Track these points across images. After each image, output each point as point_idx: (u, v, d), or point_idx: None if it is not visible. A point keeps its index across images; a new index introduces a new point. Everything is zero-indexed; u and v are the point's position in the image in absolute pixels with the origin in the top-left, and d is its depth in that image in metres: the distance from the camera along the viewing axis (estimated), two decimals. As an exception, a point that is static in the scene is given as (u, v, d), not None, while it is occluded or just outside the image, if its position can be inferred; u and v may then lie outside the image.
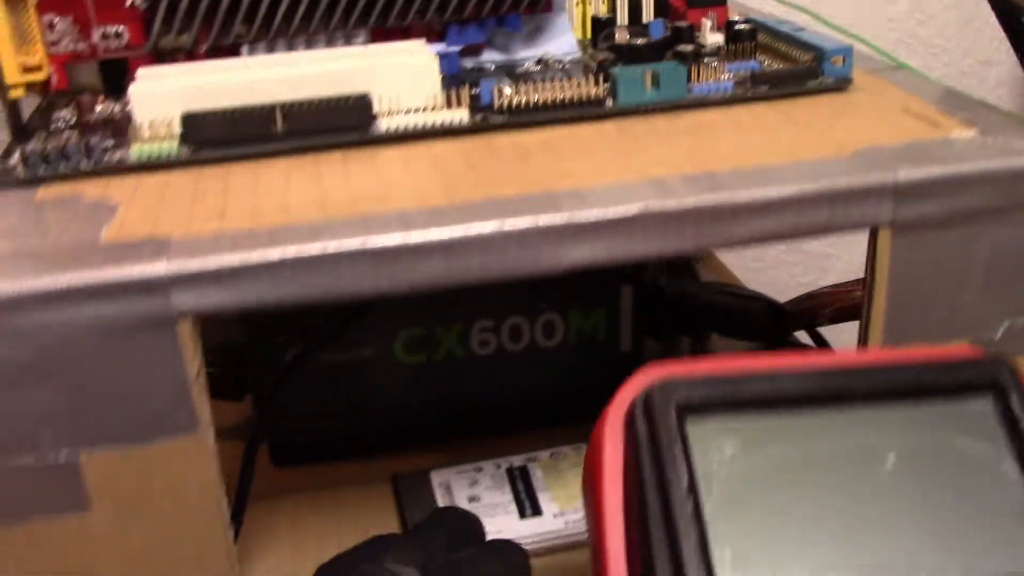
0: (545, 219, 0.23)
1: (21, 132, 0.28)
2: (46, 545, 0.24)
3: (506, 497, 0.35)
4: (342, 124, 0.28)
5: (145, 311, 0.22)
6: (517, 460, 0.37)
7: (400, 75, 0.29)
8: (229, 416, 0.35)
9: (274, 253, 0.22)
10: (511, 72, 0.32)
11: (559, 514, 0.35)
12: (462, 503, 0.35)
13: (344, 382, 0.37)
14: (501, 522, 0.34)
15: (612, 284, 0.37)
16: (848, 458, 0.20)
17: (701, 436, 0.20)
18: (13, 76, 0.28)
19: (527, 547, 0.33)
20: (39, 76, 0.30)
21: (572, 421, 0.34)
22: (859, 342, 0.26)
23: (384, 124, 0.28)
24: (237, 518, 0.30)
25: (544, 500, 0.35)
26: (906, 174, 0.25)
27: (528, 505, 0.35)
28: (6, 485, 0.23)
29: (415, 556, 0.25)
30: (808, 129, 0.28)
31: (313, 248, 0.22)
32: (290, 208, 0.24)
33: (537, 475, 0.36)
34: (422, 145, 0.28)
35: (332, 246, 0.22)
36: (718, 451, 0.20)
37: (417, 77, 0.29)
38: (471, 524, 0.29)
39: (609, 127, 0.29)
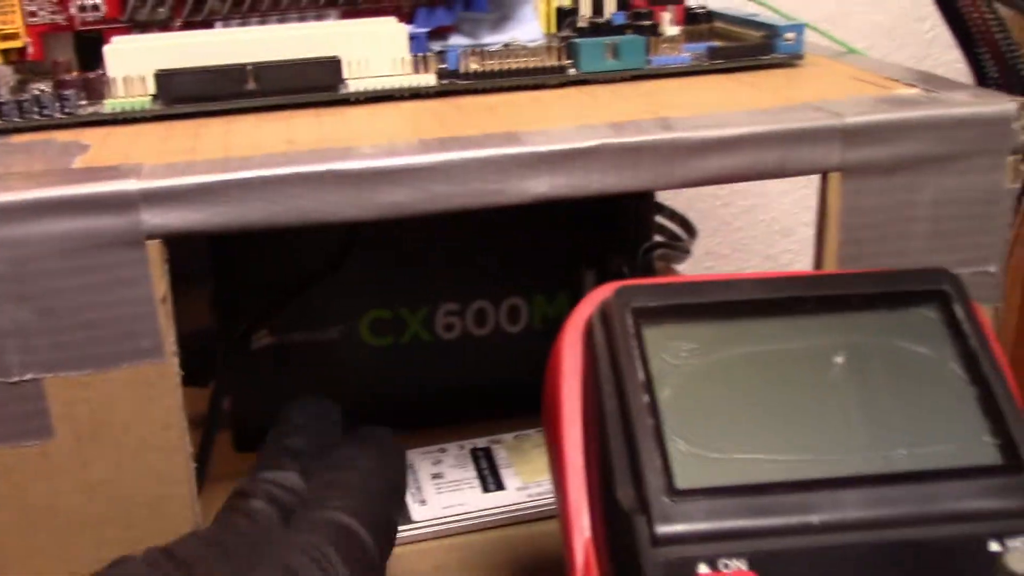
0: (508, 150, 0.24)
1: (-5, 89, 0.29)
2: (5, 476, 0.24)
3: (470, 473, 0.35)
4: (312, 84, 0.29)
5: (115, 228, 0.22)
6: (481, 442, 0.37)
7: (369, 41, 0.30)
8: (196, 403, 0.35)
9: (243, 173, 0.23)
10: (477, 51, 0.33)
11: (522, 487, 0.35)
12: (425, 481, 0.35)
13: (310, 365, 0.37)
14: (464, 495, 0.34)
15: (575, 269, 0.38)
16: (797, 360, 0.21)
17: (656, 339, 0.21)
18: (-10, 41, 0.29)
19: (491, 519, 0.33)
20: (16, 43, 0.31)
21: (537, 406, 0.34)
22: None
23: (353, 85, 0.29)
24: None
25: (507, 476, 0.35)
26: (853, 118, 0.26)
27: (491, 480, 0.35)
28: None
29: (286, 460, 0.25)
30: (761, 91, 0.29)
31: (281, 169, 0.23)
32: (260, 146, 0.25)
33: (501, 455, 0.36)
34: (391, 105, 0.29)
35: (300, 169, 0.23)
36: (673, 353, 0.21)
37: (386, 43, 0.30)
38: (328, 410, 0.29)
39: (571, 91, 0.30)
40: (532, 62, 0.30)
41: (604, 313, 0.21)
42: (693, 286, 0.21)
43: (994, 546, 0.18)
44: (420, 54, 0.30)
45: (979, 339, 0.21)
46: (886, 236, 0.27)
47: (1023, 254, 0.52)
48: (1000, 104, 0.27)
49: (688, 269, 0.50)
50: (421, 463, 0.36)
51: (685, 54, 0.32)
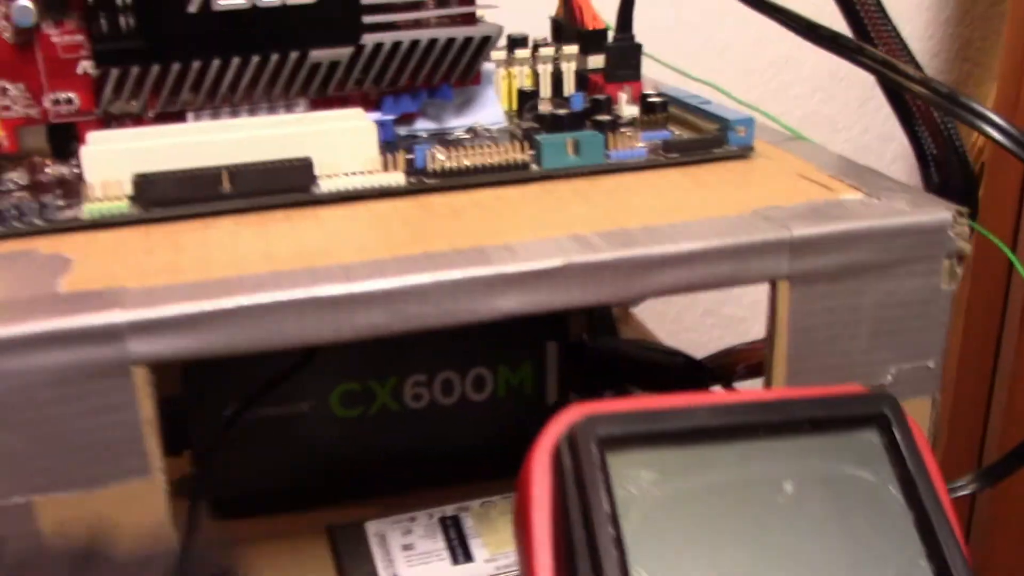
0: (477, 271, 0.25)
1: (-26, 192, 0.30)
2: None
3: (439, 545, 0.37)
4: (286, 185, 0.30)
5: (101, 358, 0.23)
6: (449, 509, 0.38)
7: (340, 140, 0.31)
8: (170, 471, 0.36)
9: (226, 302, 0.24)
10: (443, 139, 0.35)
11: (490, 559, 0.36)
12: (396, 552, 0.36)
13: (282, 435, 0.38)
14: (435, 569, 0.36)
15: (538, 340, 0.39)
16: (750, 486, 0.22)
17: (620, 467, 0.22)
18: (-33, 140, 0.30)
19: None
20: (-9, 139, 0.32)
21: (502, 471, 0.36)
22: (764, 386, 0.29)
23: (325, 186, 0.30)
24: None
25: (475, 546, 0.37)
26: (800, 231, 0.27)
27: (460, 552, 0.36)
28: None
29: None
30: (714, 191, 0.30)
31: (263, 297, 0.24)
32: (240, 262, 0.26)
33: (468, 523, 0.38)
34: (361, 205, 0.30)
35: (281, 295, 0.24)
36: (635, 482, 0.22)
37: (355, 142, 0.31)
38: None
39: (534, 188, 0.31)
40: (496, 157, 0.32)
41: (571, 439, 0.23)
42: (654, 414, 0.23)
43: (929, 670, 0.20)
44: (389, 154, 0.31)
45: (916, 463, 0.22)
46: (832, 337, 0.29)
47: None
48: (937, 213, 0.28)
49: (652, 323, 0.52)
50: (392, 534, 0.37)
51: (641, 146, 0.33)
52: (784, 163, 0.33)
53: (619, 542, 0.21)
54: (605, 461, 0.22)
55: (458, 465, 0.40)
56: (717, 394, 0.24)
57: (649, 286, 0.26)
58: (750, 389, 0.26)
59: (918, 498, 0.22)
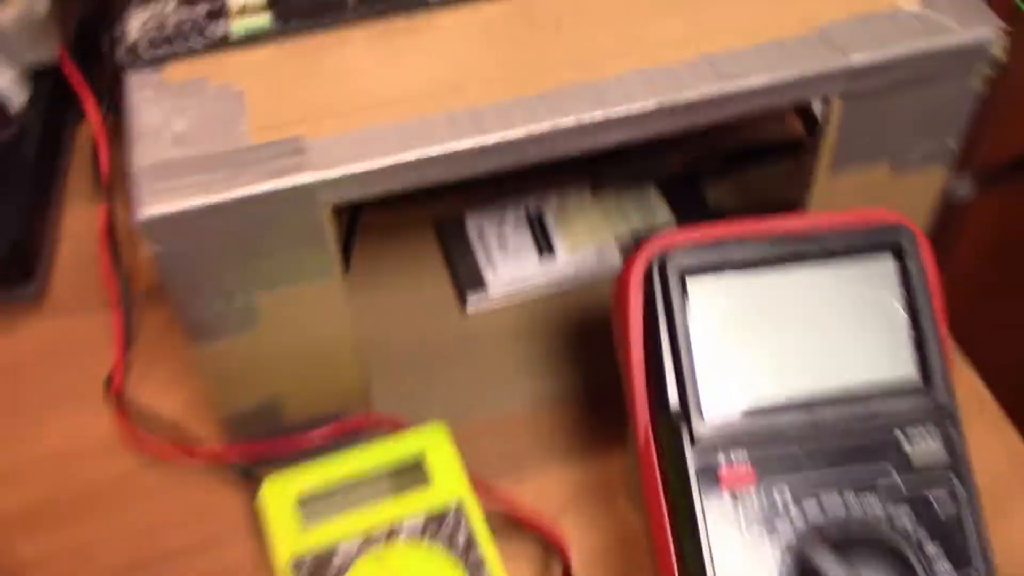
0: (589, 116, 0.31)
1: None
2: (225, 355, 0.34)
3: (527, 240, 0.45)
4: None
5: (299, 207, 0.30)
6: (532, 205, 0.46)
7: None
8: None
9: (392, 159, 0.30)
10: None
11: (570, 253, 0.45)
12: (492, 244, 0.45)
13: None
14: (521, 263, 0.45)
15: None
16: (794, 303, 0.30)
17: (694, 287, 0.30)
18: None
19: (543, 288, 0.44)
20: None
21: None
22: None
23: (438, -11, 0.34)
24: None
25: (557, 243, 0.45)
26: (857, 59, 0.32)
27: (545, 247, 0.45)
28: (208, 320, 0.32)
29: None
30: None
31: (419, 153, 0.30)
32: (386, 103, 0.31)
33: (550, 221, 0.46)
34: (467, 11, 0.34)
35: (431, 151, 0.30)
36: (705, 297, 0.30)
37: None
38: None
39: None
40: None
41: (660, 266, 0.30)
42: (721, 244, 0.30)
43: (900, 437, 0.29)
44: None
45: (921, 287, 0.30)
46: (874, 132, 0.34)
47: None
48: (983, 30, 0.33)
49: None
50: (488, 226, 0.45)
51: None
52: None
53: (689, 349, 0.29)
54: (684, 284, 0.30)
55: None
56: (771, 223, 0.31)
57: (727, 114, 0.32)
58: (797, 216, 0.33)
59: (915, 311, 0.30)
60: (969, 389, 0.42)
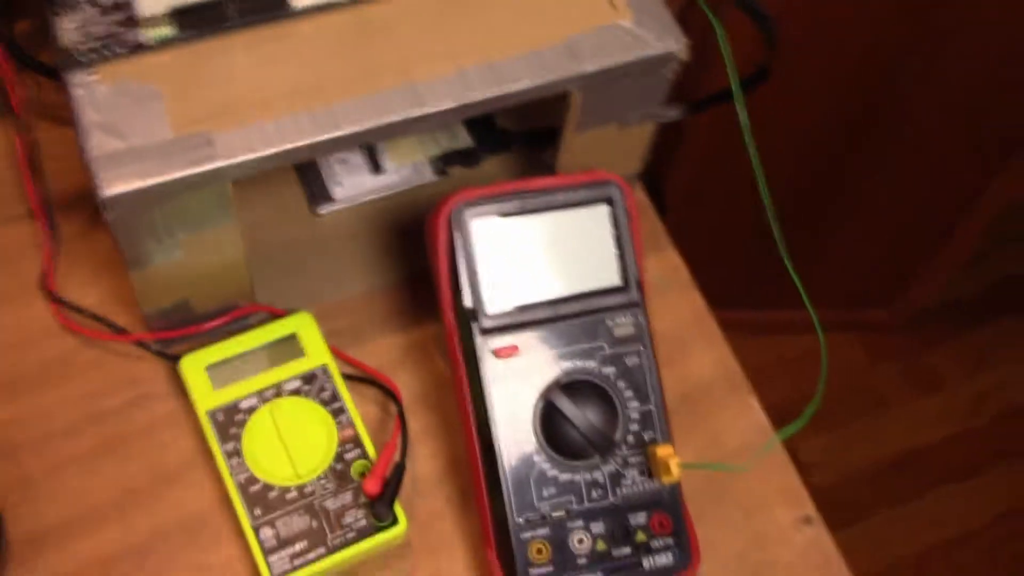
0: (410, 113, 0.45)
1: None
2: (154, 275, 0.48)
3: (360, 160, 0.60)
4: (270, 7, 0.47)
5: (211, 184, 0.44)
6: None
7: (302, -32, 0.47)
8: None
9: (278, 147, 0.44)
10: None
11: (395, 170, 0.60)
12: (335, 167, 0.59)
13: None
14: (359, 178, 0.59)
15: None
16: (543, 237, 0.47)
17: (479, 230, 0.46)
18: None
19: (378, 196, 0.59)
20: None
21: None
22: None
23: (296, 4, 0.47)
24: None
25: (385, 162, 0.60)
26: (590, 67, 0.48)
27: (375, 166, 0.60)
28: (143, 254, 0.46)
29: None
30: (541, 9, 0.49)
31: (302, 141, 0.44)
32: (271, 100, 0.45)
33: (380, 147, 0.60)
34: (321, 19, 0.47)
35: (307, 140, 0.44)
36: (488, 237, 0.46)
37: (312, -33, 0.47)
38: None
39: None
40: (404, -36, 0.48)
41: (457, 212, 0.46)
42: (499, 197, 0.46)
43: (608, 322, 0.47)
44: (336, -21, 0.47)
45: (626, 225, 0.47)
46: (599, 101, 0.51)
47: None
48: (673, 43, 0.49)
49: None
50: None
51: (501, -50, 0.50)
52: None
53: (476, 269, 0.46)
54: (471, 226, 0.46)
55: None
56: (529, 183, 0.47)
57: (505, 105, 0.47)
58: (546, 178, 0.49)
59: (620, 240, 0.48)
60: (673, 267, 0.60)
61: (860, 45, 0.99)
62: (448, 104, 0.46)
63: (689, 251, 0.62)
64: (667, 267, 0.60)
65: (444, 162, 0.60)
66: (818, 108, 1.06)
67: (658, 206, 0.68)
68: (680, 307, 0.58)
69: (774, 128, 1.04)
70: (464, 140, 0.61)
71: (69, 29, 0.45)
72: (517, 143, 0.62)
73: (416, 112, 0.46)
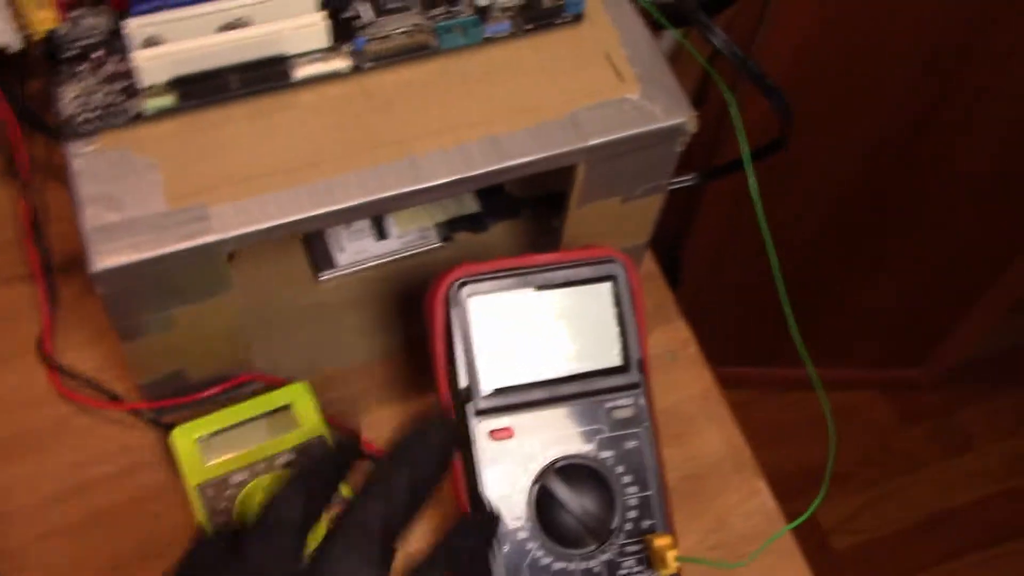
0: (408, 188, 0.45)
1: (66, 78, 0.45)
2: (146, 347, 0.47)
3: (365, 223, 0.59)
4: (272, 77, 0.46)
5: (204, 257, 0.43)
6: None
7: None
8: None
9: (274, 222, 0.43)
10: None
11: (400, 236, 0.59)
12: (340, 232, 0.59)
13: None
14: (362, 243, 0.58)
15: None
16: (543, 315, 0.46)
17: (477, 309, 0.45)
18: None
19: (382, 262, 0.58)
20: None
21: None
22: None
23: (298, 74, 0.47)
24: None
25: (389, 227, 0.59)
26: (594, 140, 0.47)
27: (380, 232, 0.59)
28: (135, 327, 0.45)
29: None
30: (546, 84, 0.48)
31: (299, 215, 0.43)
32: (269, 174, 0.44)
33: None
34: (322, 89, 0.47)
35: (305, 215, 0.43)
36: (486, 315, 0.45)
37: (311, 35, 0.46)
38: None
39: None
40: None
41: (456, 289, 0.45)
42: (496, 274, 0.45)
43: (608, 404, 0.46)
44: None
45: (628, 303, 0.46)
46: (607, 178, 0.50)
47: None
48: (680, 117, 0.48)
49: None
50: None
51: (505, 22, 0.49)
52: (600, 36, 0.50)
53: (473, 348, 0.45)
54: (469, 304, 0.45)
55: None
56: (529, 259, 0.46)
57: (499, 179, 0.46)
58: (546, 254, 0.48)
59: (622, 319, 0.46)
60: (682, 340, 0.59)
61: (891, 102, 0.98)
62: (447, 178, 0.45)
63: (711, 313, 0.60)
64: (676, 340, 0.58)
65: (450, 228, 0.60)
66: (849, 165, 1.04)
67: (673, 274, 0.67)
68: (688, 383, 0.57)
69: (801, 186, 1.03)
70: (471, 206, 0.60)
71: (69, 99, 0.45)
72: (525, 209, 0.61)
73: (414, 187, 0.45)
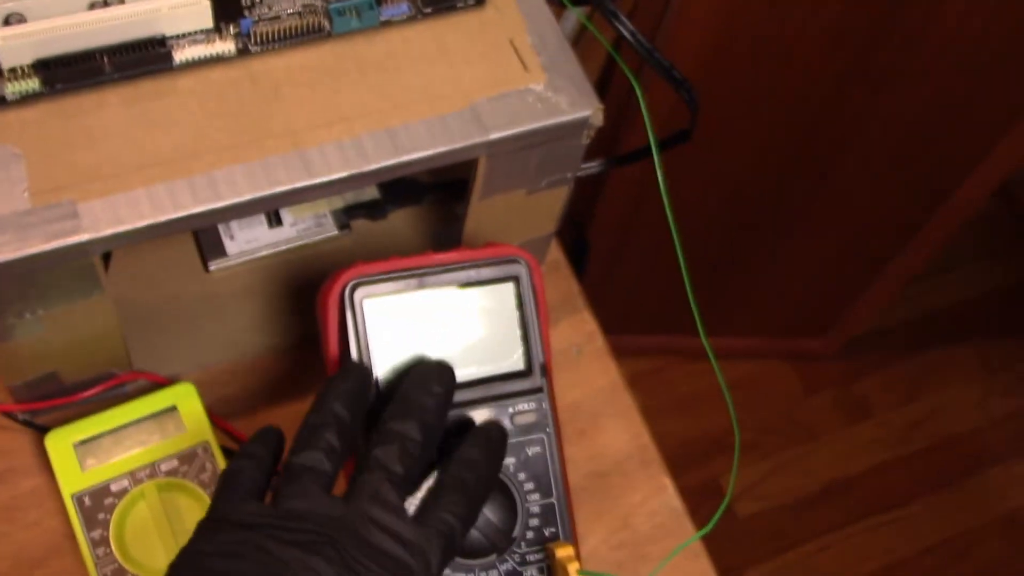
0: (299, 184, 0.42)
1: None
2: (16, 349, 0.43)
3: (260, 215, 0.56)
4: (149, 60, 0.43)
5: (74, 257, 0.40)
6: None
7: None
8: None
9: (150, 220, 0.40)
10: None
11: (293, 223, 0.56)
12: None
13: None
14: (254, 231, 0.55)
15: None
16: (442, 315, 0.44)
17: (372, 309, 0.43)
18: None
19: (276, 251, 0.55)
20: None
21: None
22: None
23: (178, 57, 0.43)
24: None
25: (284, 214, 0.56)
26: (495, 135, 0.45)
27: (274, 219, 0.56)
28: (3, 329, 0.42)
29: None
30: (447, 70, 0.45)
31: (178, 213, 0.40)
32: (146, 168, 0.41)
33: (277, 195, 0.56)
34: (203, 74, 0.43)
35: (180, 214, 0.40)
36: (381, 316, 0.43)
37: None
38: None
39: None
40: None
41: (350, 289, 0.43)
42: (392, 273, 0.43)
43: (510, 409, 0.44)
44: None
45: (531, 304, 0.44)
46: (509, 172, 0.47)
47: None
48: (586, 109, 0.46)
49: None
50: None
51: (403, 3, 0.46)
52: (505, 22, 0.47)
53: (368, 347, 0.42)
54: (363, 306, 0.43)
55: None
56: (428, 257, 0.44)
57: (391, 174, 0.44)
58: (446, 252, 0.45)
59: (525, 321, 0.44)
60: (588, 333, 0.57)
61: (797, 79, 0.97)
62: (340, 173, 0.43)
63: (618, 290, 0.59)
64: (582, 333, 0.57)
65: (348, 215, 0.57)
66: (752, 140, 1.04)
67: (579, 260, 0.65)
68: (593, 377, 0.56)
69: (707, 163, 1.02)
70: (370, 192, 0.58)
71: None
72: (427, 195, 0.58)
73: (305, 182, 0.42)
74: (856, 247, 1.25)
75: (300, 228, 0.56)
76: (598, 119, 0.47)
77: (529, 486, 0.44)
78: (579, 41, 0.83)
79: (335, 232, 0.56)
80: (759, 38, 0.90)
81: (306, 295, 0.54)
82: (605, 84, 0.92)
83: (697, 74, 0.84)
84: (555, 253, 0.59)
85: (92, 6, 0.42)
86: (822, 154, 1.06)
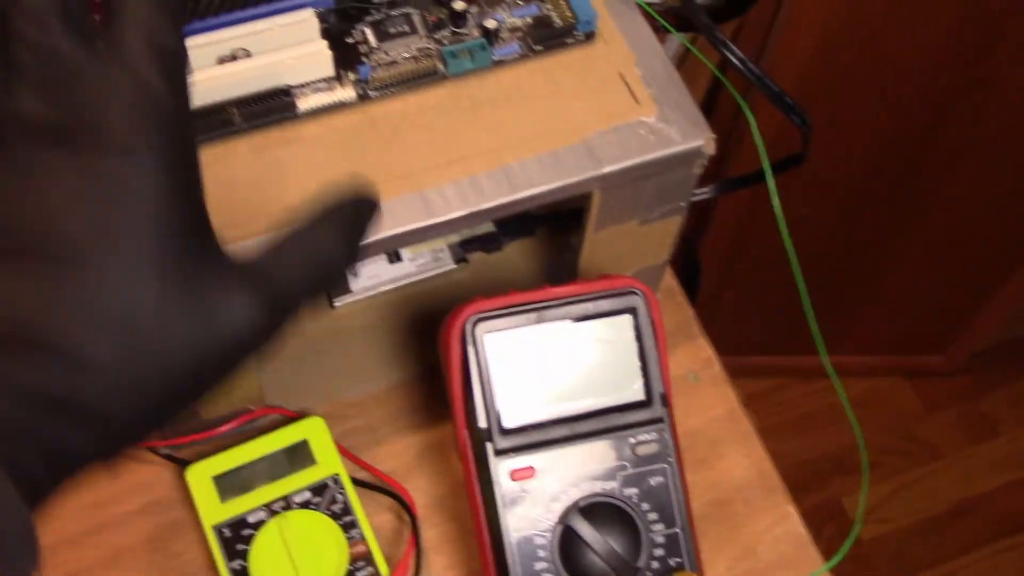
0: (419, 224, 0.43)
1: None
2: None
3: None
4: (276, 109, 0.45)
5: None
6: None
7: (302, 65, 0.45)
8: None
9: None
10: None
11: (412, 259, 0.58)
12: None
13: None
14: (376, 268, 0.57)
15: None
16: (561, 349, 0.44)
17: (493, 345, 0.44)
18: None
19: (397, 286, 0.57)
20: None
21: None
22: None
23: (302, 106, 0.45)
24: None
25: (403, 251, 0.58)
26: (608, 168, 0.45)
27: (393, 255, 0.58)
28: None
29: None
30: (560, 106, 0.46)
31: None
32: (276, 215, 0.43)
33: (395, 231, 0.58)
34: (327, 121, 0.45)
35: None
36: (502, 352, 0.44)
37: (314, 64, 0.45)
38: None
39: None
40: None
41: (471, 325, 0.44)
42: (512, 308, 0.44)
43: (631, 440, 0.45)
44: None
45: (649, 334, 0.45)
46: (623, 203, 0.48)
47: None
48: (698, 140, 0.46)
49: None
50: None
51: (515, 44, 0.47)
52: (614, 56, 0.48)
53: (491, 385, 0.43)
54: (483, 339, 0.44)
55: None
56: (546, 292, 0.45)
57: (515, 210, 0.45)
58: (564, 286, 0.46)
59: (643, 352, 0.45)
60: (705, 360, 0.57)
61: (909, 92, 0.95)
62: (459, 212, 0.44)
63: (728, 304, 0.59)
64: (699, 360, 0.57)
65: (464, 248, 0.58)
66: (869, 150, 1.02)
67: (692, 284, 0.65)
68: (712, 404, 0.55)
69: (817, 179, 1.01)
70: (485, 225, 0.59)
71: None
72: (540, 227, 0.59)
73: (427, 222, 0.44)
74: (976, 258, 1.21)
75: (419, 263, 0.58)
76: (710, 148, 0.47)
77: (653, 516, 0.45)
78: (682, 64, 0.83)
79: (452, 266, 0.58)
80: (868, 49, 0.88)
81: (427, 328, 0.56)
82: (710, 107, 0.91)
83: (803, 84, 0.83)
84: (668, 280, 0.59)
85: (221, 60, 0.44)
86: (937, 164, 1.04)
